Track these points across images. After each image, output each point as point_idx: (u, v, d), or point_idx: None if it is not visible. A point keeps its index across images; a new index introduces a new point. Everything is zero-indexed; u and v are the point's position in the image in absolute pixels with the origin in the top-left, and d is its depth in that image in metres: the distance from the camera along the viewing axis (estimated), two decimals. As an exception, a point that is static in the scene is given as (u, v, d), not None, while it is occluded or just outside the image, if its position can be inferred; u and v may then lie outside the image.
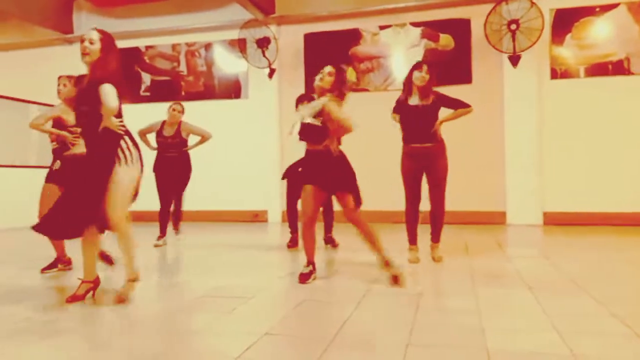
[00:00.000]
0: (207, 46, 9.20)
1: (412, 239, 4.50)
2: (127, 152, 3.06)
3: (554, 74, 7.66)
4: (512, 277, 3.78)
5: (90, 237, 3.17)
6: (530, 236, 6.39)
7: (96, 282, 3.24)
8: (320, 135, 3.57)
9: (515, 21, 7.38)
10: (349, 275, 3.95)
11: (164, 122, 5.81)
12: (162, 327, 2.68)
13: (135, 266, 3.18)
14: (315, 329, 2.58)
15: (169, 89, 9.28)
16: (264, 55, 8.47)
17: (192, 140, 5.89)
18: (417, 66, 4.24)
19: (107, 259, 4.07)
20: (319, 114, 3.56)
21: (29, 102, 9.00)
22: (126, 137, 3.11)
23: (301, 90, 8.62)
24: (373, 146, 7.47)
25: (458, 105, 4.31)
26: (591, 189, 7.42)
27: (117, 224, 3.06)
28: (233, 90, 9.07)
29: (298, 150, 8.54)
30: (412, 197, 4.40)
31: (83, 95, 3.10)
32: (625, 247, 5.39)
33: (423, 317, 2.73)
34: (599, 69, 7.50)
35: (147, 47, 9.51)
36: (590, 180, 7.45)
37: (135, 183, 3.14)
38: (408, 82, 4.27)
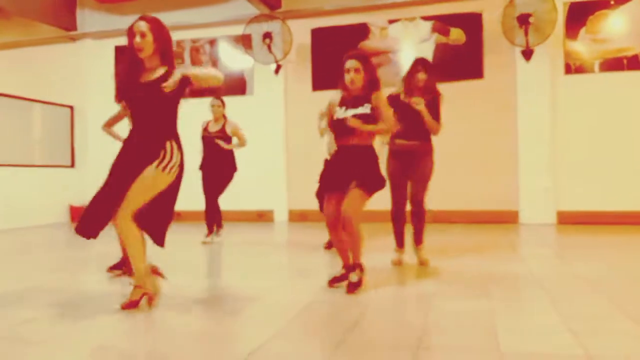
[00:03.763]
0: (212, 42, 9.07)
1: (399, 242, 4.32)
2: (166, 157, 2.80)
3: (568, 69, 7.49)
4: (525, 277, 3.72)
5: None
6: (543, 236, 6.26)
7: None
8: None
9: (529, 14, 7.20)
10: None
11: (209, 121, 5.84)
12: (172, 328, 2.64)
13: (141, 273, 2.88)
14: (325, 330, 2.56)
15: (173, 86, 9.15)
16: (270, 51, 8.33)
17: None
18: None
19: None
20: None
21: (33, 100, 8.92)
22: (173, 141, 2.85)
23: (308, 86, 8.50)
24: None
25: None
26: (606, 187, 7.25)
27: (120, 221, 2.80)
28: (238, 86, 8.94)
29: (303, 148, 8.42)
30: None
31: (151, 83, 2.83)
32: (642, 247, 5.25)
33: (434, 318, 2.68)
34: (614, 64, 7.32)
35: (151, 44, 9.38)
36: (605, 178, 7.28)
37: (159, 190, 2.83)
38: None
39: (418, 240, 4.21)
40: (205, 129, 5.83)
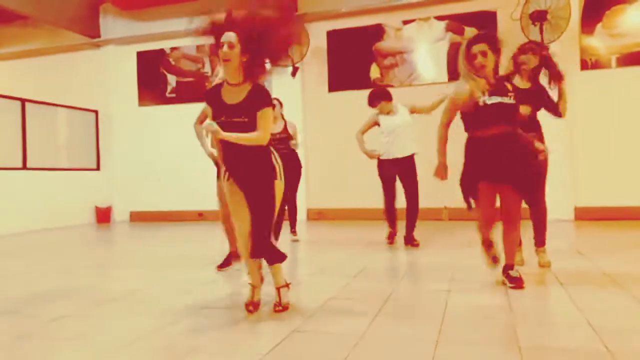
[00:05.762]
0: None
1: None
2: (277, 165, 2.87)
3: (584, 65, 7.45)
4: (544, 273, 3.69)
5: None
6: (561, 231, 6.22)
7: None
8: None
9: (544, 11, 7.20)
10: (377, 274, 3.94)
11: None
12: (192, 324, 2.68)
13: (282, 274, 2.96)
14: (344, 326, 2.57)
15: (194, 90, 9.37)
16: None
17: None
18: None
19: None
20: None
21: (59, 105, 9.21)
22: (272, 148, 2.90)
23: (324, 87, 8.62)
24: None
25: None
26: (625, 182, 7.20)
27: None
28: (257, 89, 9.10)
29: (320, 149, 8.52)
30: None
31: (240, 106, 2.71)
32: (662, 242, 5.20)
33: (452, 314, 2.69)
34: (631, 59, 7.27)
35: (172, 49, 9.61)
36: (623, 174, 7.23)
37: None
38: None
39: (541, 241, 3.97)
40: None
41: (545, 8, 7.19)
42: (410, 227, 5.11)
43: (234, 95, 2.73)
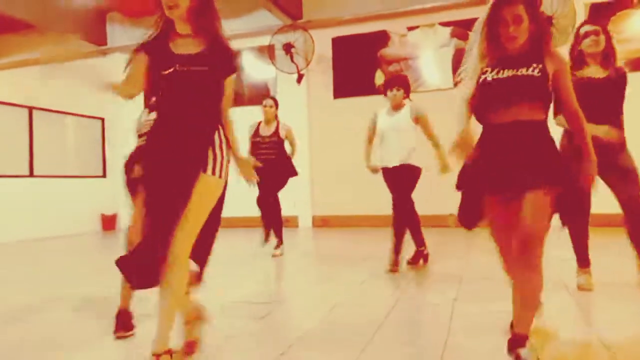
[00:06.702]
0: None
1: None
2: (219, 155, 2.13)
3: (590, 71, 7.42)
4: (548, 279, 3.64)
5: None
6: (564, 238, 6.17)
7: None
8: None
9: (550, 17, 7.18)
10: (382, 281, 3.92)
11: (259, 123, 5.35)
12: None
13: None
14: (350, 333, 2.56)
15: (199, 97, 9.39)
16: (293, 61, 8.49)
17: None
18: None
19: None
20: None
21: (66, 113, 9.27)
22: (221, 131, 2.19)
23: (330, 94, 8.62)
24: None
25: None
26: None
27: (179, 256, 2.04)
28: (262, 96, 9.11)
29: (326, 155, 8.51)
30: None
31: (200, 56, 2.15)
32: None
33: (459, 319, 2.69)
34: (638, 64, 7.24)
35: (178, 56, 9.64)
36: (631, 180, 7.18)
37: (214, 203, 2.14)
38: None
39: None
40: (255, 133, 5.26)
41: (551, 14, 7.18)
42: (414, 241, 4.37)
43: (188, 47, 2.17)
